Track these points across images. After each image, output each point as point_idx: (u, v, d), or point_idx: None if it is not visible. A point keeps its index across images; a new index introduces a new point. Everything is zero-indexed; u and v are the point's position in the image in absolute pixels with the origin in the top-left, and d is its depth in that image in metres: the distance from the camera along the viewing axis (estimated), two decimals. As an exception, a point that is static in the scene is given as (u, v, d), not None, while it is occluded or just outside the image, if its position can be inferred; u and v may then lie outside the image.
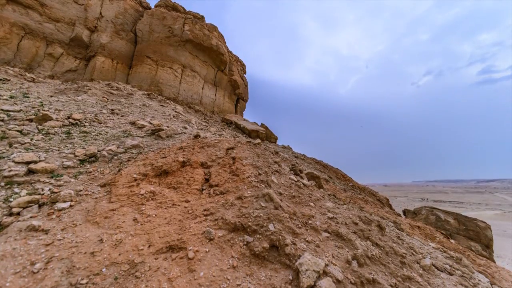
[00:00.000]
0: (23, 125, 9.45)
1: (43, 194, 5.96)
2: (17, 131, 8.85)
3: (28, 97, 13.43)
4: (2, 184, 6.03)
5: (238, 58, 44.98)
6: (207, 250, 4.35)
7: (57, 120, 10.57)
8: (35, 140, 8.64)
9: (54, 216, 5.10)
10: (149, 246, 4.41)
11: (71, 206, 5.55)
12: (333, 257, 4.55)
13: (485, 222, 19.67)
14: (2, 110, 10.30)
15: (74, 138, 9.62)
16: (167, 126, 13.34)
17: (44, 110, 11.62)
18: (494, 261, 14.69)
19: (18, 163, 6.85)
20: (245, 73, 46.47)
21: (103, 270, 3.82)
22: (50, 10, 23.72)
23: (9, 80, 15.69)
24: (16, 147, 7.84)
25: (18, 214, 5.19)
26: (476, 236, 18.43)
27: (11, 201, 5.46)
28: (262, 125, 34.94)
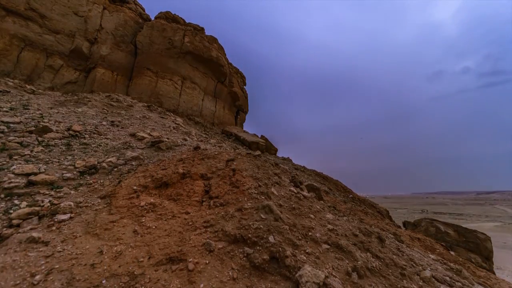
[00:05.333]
0: (23, 137, 9.50)
1: (43, 205, 5.97)
2: (17, 143, 8.89)
3: (28, 109, 13.52)
4: (2, 196, 6.05)
5: (238, 69, 45.40)
6: (207, 262, 4.35)
7: (57, 132, 10.63)
8: (35, 152, 8.67)
9: (54, 228, 5.10)
10: (149, 258, 4.41)
11: (71, 217, 5.55)
12: (333, 268, 4.54)
13: (485, 234, 19.59)
14: (2, 122, 10.36)
15: (74, 150, 9.66)
16: (167, 138, 13.41)
17: (44, 122, 11.69)
18: (494, 273, 14.60)
19: (18, 174, 6.88)
20: (245, 84, 46.84)
21: (103, 282, 3.81)
22: (50, 21, 23.99)
23: (9, 91, 15.80)
24: (16, 159, 7.88)
25: (18, 226, 5.19)
26: (476, 248, 18.33)
27: (11, 213, 5.47)
28: (262, 137, 35.06)
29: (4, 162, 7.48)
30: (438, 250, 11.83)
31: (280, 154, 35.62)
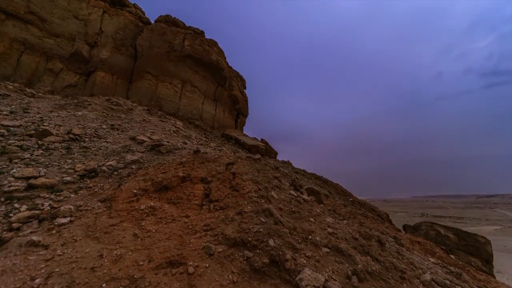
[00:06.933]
0: (23, 140, 9.50)
1: (43, 209, 5.97)
2: (17, 146, 8.89)
3: (28, 112, 13.52)
4: (2, 199, 6.04)
5: (238, 73, 45.48)
6: (207, 265, 4.34)
7: (57, 136, 10.63)
8: (35, 155, 8.67)
9: (54, 231, 5.09)
10: (149, 261, 4.40)
11: (71, 221, 5.55)
12: (333, 272, 4.54)
13: (485, 238, 19.57)
14: (2, 125, 10.36)
15: (74, 153, 9.66)
16: (167, 141, 13.41)
17: (44, 125, 11.70)
18: (494, 277, 14.56)
19: (18, 178, 6.87)
20: (245, 88, 46.90)
21: (103, 285, 3.80)
22: (50, 25, 24.00)
23: (9, 95, 15.80)
24: (16, 162, 7.87)
25: (18, 229, 5.19)
26: (476, 251, 18.30)
27: (11, 216, 5.47)
28: (262, 140, 35.05)
29: (4, 166, 7.48)
30: (438, 254, 11.81)
31: (280, 157, 35.63)
